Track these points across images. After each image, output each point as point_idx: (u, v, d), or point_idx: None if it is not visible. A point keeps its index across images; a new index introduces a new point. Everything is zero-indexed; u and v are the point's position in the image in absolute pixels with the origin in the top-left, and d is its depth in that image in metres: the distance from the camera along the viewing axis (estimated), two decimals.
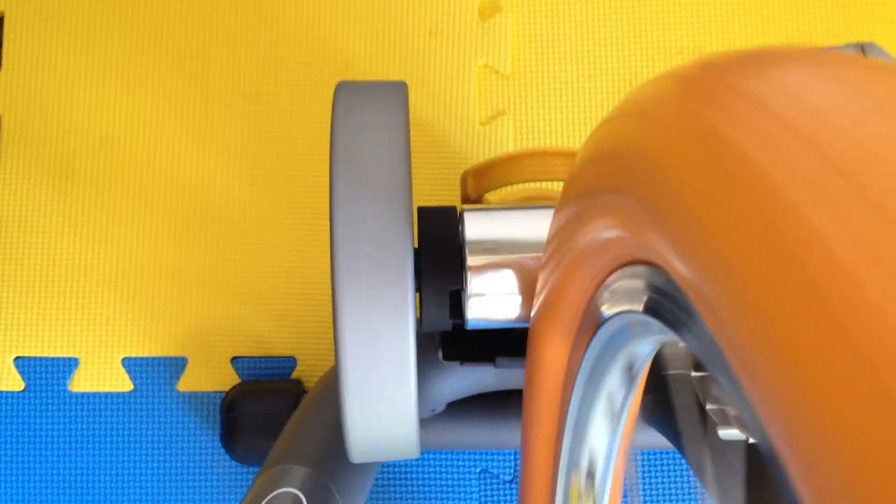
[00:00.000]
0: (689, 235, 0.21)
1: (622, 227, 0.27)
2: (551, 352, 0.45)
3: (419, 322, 0.51)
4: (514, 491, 0.85)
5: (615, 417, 0.44)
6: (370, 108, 0.48)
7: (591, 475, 0.47)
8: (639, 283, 0.29)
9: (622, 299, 0.32)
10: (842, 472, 0.16)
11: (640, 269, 0.28)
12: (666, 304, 0.27)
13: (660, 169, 0.23)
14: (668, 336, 0.33)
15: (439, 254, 0.52)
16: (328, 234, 0.87)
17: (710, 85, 0.23)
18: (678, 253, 0.22)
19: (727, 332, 0.20)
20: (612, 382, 0.39)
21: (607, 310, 0.35)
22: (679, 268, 0.23)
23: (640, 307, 0.29)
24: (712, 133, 0.21)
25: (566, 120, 0.89)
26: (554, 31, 0.91)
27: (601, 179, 0.29)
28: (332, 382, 0.71)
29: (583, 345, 0.41)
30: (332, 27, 0.91)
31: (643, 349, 0.38)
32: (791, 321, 0.17)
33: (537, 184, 0.65)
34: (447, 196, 0.86)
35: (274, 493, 0.60)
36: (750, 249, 0.19)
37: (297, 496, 0.60)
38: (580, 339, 0.41)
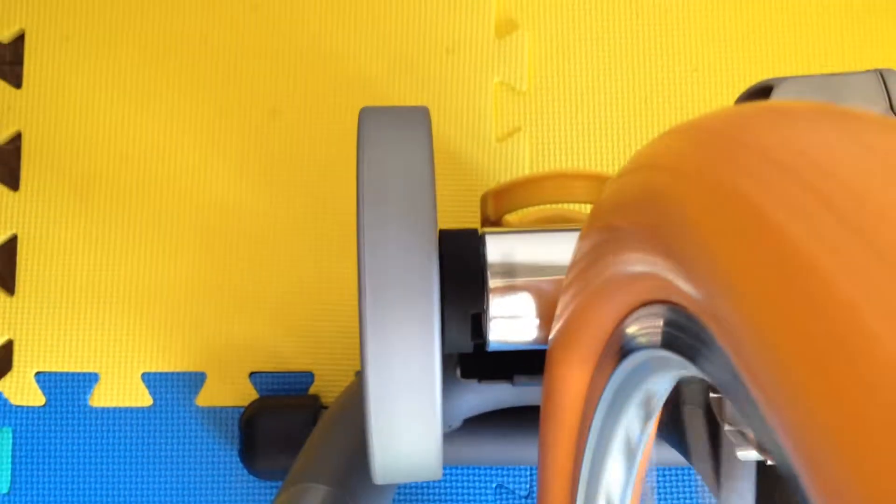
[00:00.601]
0: (712, 280, 0.23)
1: (647, 267, 0.28)
2: (570, 377, 0.46)
3: (441, 343, 0.52)
4: None
5: (633, 449, 0.45)
6: (395, 135, 0.49)
7: (608, 500, 0.48)
8: (659, 322, 0.30)
9: (645, 335, 0.32)
10: (860, 498, 0.16)
11: (663, 308, 0.29)
12: (687, 341, 0.28)
13: (683, 223, 0.24)
14: (689, 371, 0.33)
15: (461, 276, 0.52)
16: (345, 249, 0.88)
17: (727, 141, 0.25)
18: (704, 299, 0.24)
19: (750, 368, 0.21)
20: (631, 414, 0.39)
21: (631, 343, 0.35)
22: (704, 312, 0.24)
23: (658, 341, 0.30)
24: (728, 190, 0.23)
25: (582, 136, 0.90)
26: (570, 49, 0.91)
27: (625, 220, 0.29)
28: (351, 399, 0.72)
29: (605, 375, 0.41)
30: (350, 44, 0.91)
31: (663, 383, 0.39)
32: (803, 356, 0.18)
33: (555, 205, 0.65)
34: (464, 212, 0.87)
35: None
36: (768, 296, 0.20)
37: None
38: (602, 368, 0.42)
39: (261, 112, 0.90)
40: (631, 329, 0.34)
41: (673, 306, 0.28)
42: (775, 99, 0.44)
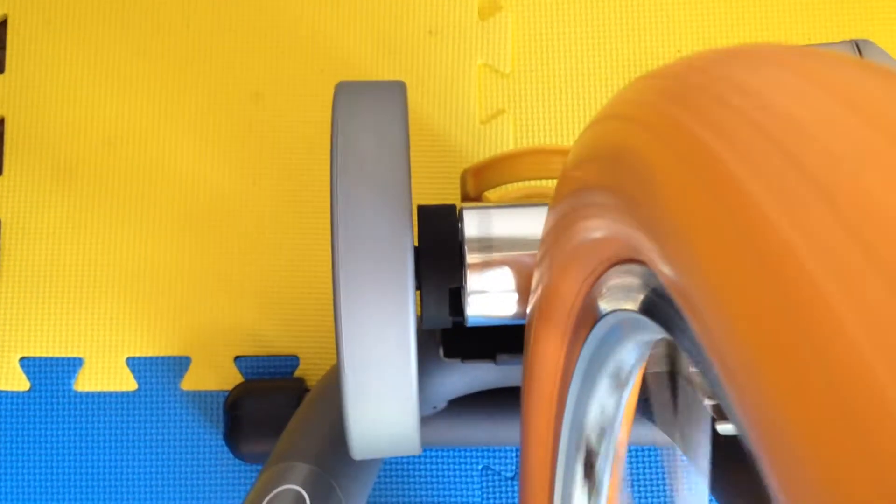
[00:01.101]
0: (667, 235, 0.22)
1: (612, 227, 0.28)
2: (548, 348, 0.46)
3: (420, 320, 0.52)
4: (516, 487, 0.85)
5: (612, 415, 0.45)
6: (369, 108, 0.49)
7: (589, 468, 0.48)
8: (634, 281, 0.29)
9: (618, 297, 0.32)
10: (805, 469, 0.16)
11: (636, 267, 0.29)
12: (658, 303, 0.27)
13: (641, 171, 0.24)
14: (661, 335, 0.33)
15: (439, 251, 0.52)
16: (329, 232, 0.88)
17: (687, 87, 0.24)
18: (659, 251, 0.23)
19: (704, 329, 0.20)
20: (608, 379, 0.39)
21: (603, 307, 0.35)
22: (661, 267, 0.23)
23: (636, 306, 0.30)
24: (686, 136, 0.22)
25: (566, 118, 0.90)
26: (553, 30, 0.91)
27: (590, 179, 0.29)
28: (333, 380, 0.72)
29: (579, 341, 0.41)
30: (332, 27, 0.91)
31: (639, 347, 0.39)
32: (758, 321, 0.18)
33: (536, 182, 0.65)
34: (447, 194, 0.86)
35: (277, 490, 0.61)
36: (719, 249, 0.19)
37: (299, 493, 0.60)
38: (576, 335, 0.42)
39: (244, 95, 0.90)
40: (602, 291, 0.34)
41: (642, 265, 0.28)
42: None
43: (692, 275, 0.21)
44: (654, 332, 0.32)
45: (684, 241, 0.21)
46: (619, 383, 0.42)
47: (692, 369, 0.59)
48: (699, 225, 0.20)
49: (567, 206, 0.34)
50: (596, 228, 0.30)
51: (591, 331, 0.38)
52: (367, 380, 0.47)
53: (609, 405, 0.44)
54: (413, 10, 0.91)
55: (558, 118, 0.90)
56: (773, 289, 0.17)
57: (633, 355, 0.38)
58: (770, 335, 0.17)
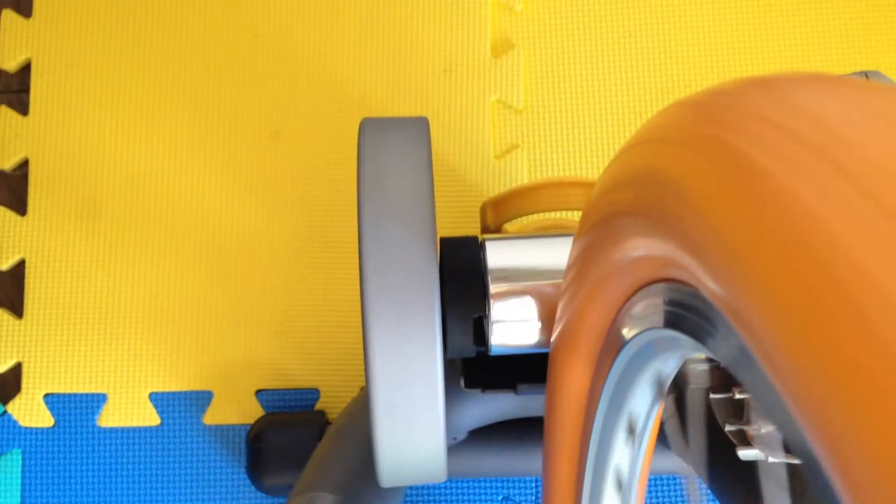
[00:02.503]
0: (712, 250, 0.22)
1: (643, 249, 0.29)
2: (572, 376, 0.46)
3: (444, 349, 0.53)
4: None
5: (638, 439, 0.45)
6: (394, 143, 0.50)
7: (617, 487, 0.49)
8: (658, 301, 0.31)
9: (644, 318, 0.33)
10: (887, 482, 0.16)
11: (661, 286, 0.30)
12: (690, 318, 0.27)
13: (682, 190, 0.24)
14: (690, 351, 0.34)
15: (462, 282, 0.53)
16: (348, 267, 0.89)
17: (720, 107, 0.24)
18: (703, 267, 0.23)
19: (761, 343, 0.20)
20: (635, 403, 0.40)
21: (629, 331, 0.36)
22: (706, 282, 0.23)
23: (661, 322, 0.30)
24: (728, 151, 0.22)
25: (578, 152, 0.91)
26: (565, 67, 0.93)
27: (622, 205, 0.30)
28: (356, 412, 0.73)
29: (605, 367, 0.42)
30: (349, 67, 0.93)
31: (665, 367, 0.39)
32: (818, 328, 0.18)
33: (554, 214, 0.67)
34: (463, 228, 0.88)
35: None
36: (769, 257, 0.19)
37: None
38: (602, 361, 0.42)
39: (263, 135, 0.92)
40: (628, 316, 0.35)
41: (673, 283, 0.29)
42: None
43: (741, 288, 0.21)
44: (683, 349, 0.33)
45: (733, 254, 0.21)
46: (653, 397, 0.42)
47: (713, 397, 0.60)
48: (749, 237, 0.20)
49: (597, 232, 0.35)
50: (628, 252, 0.31)
51: (618, 354, 0.39)
52: (397, 406, 0.48)
53: (639, 421, 0.45)
54: (428, 49, 0.93)
55: (571, 152, 0.91)
56: (832, 295, 0.17)
57: (667, 367, 0.39)
58: (833, 344, 0.17)
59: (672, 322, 0.29)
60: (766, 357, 0.20)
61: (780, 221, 0.19)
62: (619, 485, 0.45)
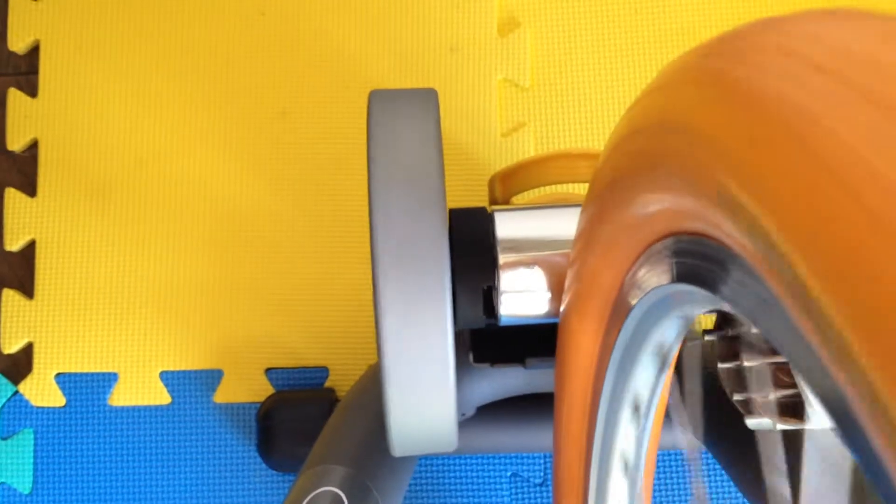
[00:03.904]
0: (737, 189, 0.21)
1: (656, 204, 0.29)
2: (582, 343, 0.47)
3: (455, 320, 0.53)
4: (545, 494, 0.86)
5: (643, 418, 0.45)
6: (403, 114, 0.51)
7: (623, 464, 0.49)
8: (668, 255, 0.31)
9: (652, 276, 0.34)
10: None
11: (669, 241, 0.30)
12: (702, 267, 0.27)
13: (695, 130, 0.23)
14: (698, 308, 0.34)
15: (472, 253, 0.54)
16: (357, 244, 0.89)
17: (728, 46, 0.24)
18: (727, 210, 0.22)
19: (794, 286, 0.19)
20: (638, 379, 0.40)
21: (637, 291, 0.37)
22: (729, 227, 0.22)
23: (671, 277, 0.31)
24: (739, 84, 0.22)
25: (585, 130, 0.91)
26: (571, 45, 0.93)
27: (631, 161, 0.30)
28: (366, 387, 0.73)
29: (614, 331, 0.43)
30: (355, 46, 0.93)
31: (667, 336, 0.40)
32: (861, 266, 0.17)
33: (562, 187, 0.67)
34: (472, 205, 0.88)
35: (315, 492, 0.62)
36: (794, 184, 0.19)
37: (337, 494, 0.62)
38: (612, 325, 0.43)
39: (271, 113, 0.92)
40: (637, 276, 0.35)
41: (683, 236, 0.28)
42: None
43: (769, 228, 0.20)
44: (691, 304, 0.34)
45: (758, 191, 0.20)
46: (661, 360, 0.42)
47: (721, 366, 0.60)
48: (776, 172, 0.19)
49: (606, 195, 0.36)
50: (639, 209, 0.31)
51: (627, 316, 0.39)
52: (408, 374, 0.48)
53: (644, 394, 0.45)
54: (435, 28, 0.93)
55: (578, 130, 0.91)
56: (880, 234, 0.16)
57: (673, 329, 0.39)
58: (881, 280, 0.16)
59: (683, 275, 0.30)
60: (800, 301, 0.19)
61: (806, 150, 0.19)
62: (626, 467, 0.45)
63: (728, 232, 0.23)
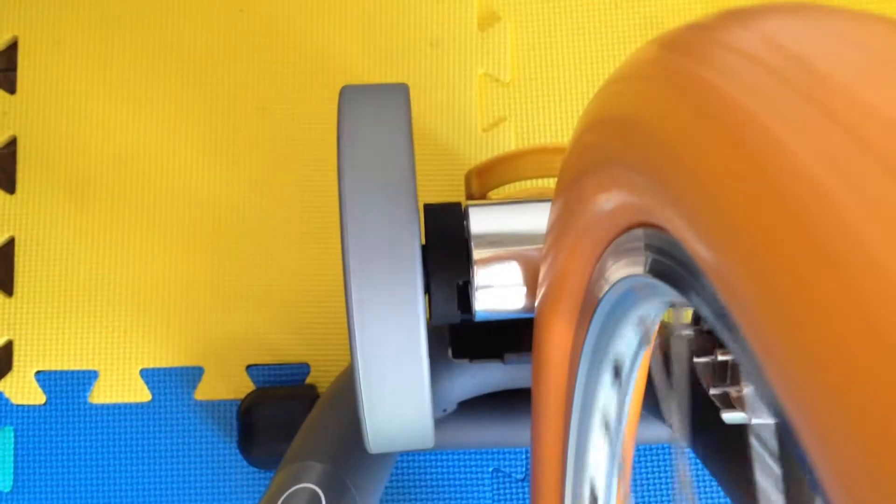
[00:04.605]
0: (684, 190, 0.21)
1: (616, 196, 0.29)
2: (556, 336, 0.47)
3: (429, 317, 0.53)
4: (527, 489, 0.86)
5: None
6: (373, 109, 0.50)
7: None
8: (637, 246, 0.30)
9: (620, 267, 0.33)
10: (856, 441, 0.15)
11: (638, 232, 0.30)
12: (667, 264, 0.27)
13: (647, 126, 0.23)
14: (669, 299, 0.34)
15: (446, 248, 0.54)
16: (337, 241, 0.89)
17: (689, 41, 0.23)
18: (673, 208, 0.22)
19: (728, 287, 0.19)
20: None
21: (606, 283, 0.37)
22: (677, 224, 0.22)
23: (641, 269, 0.30)
24: (694, 80, 0.21)
25: (566, 124, 0.91)
26: (552, 39, 0.93)
27: (593, 153, 0.30)
28: (345, 383, 0.73)
29: (586, 322, 0.42)
30: (334, 41, 0.93)
31: (648, 313, 0.39)
32: (791, 274, 0.16)
33: (538, 182, 0.67)
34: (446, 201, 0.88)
35: (292, 488, 0.62)
36: (738, 191, 0.18)
37: (315, 491, 0.62)
38: (584, 317, 0.43)
39: (250, 110, 0.92)
40: (606, 266, 0.35)
41: (650, 229, 0.28)
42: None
43: (712, 229, 0.20)
44: (660, 297, 0.34)
45: (702, 191, 0.20)
46: (634, 349, 0.42)
47: (696, 360, 0.60)
48: (717, 172, 0.19)
49: (569, 191, 0.36)
50: (599, 201, 0.31)
51: (597, 307, 0.39)
52: (381, 370, 0.48)
53: (612, 395, 0.45)
54: (414, 23, 0.93)
55: (558, 125, 0.91)
56: (812, 250, 0.16)
57: (648, 313, 0.39)
58: (805, 287, 0.16)
59: (652, 269, 0.30)
60: (739, 311, 0.19)
61: (747, 155, 0.18)
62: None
63: (676, 228, 0.23)
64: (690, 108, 0.21)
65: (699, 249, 0.21)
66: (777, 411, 0.18)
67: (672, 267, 0.27)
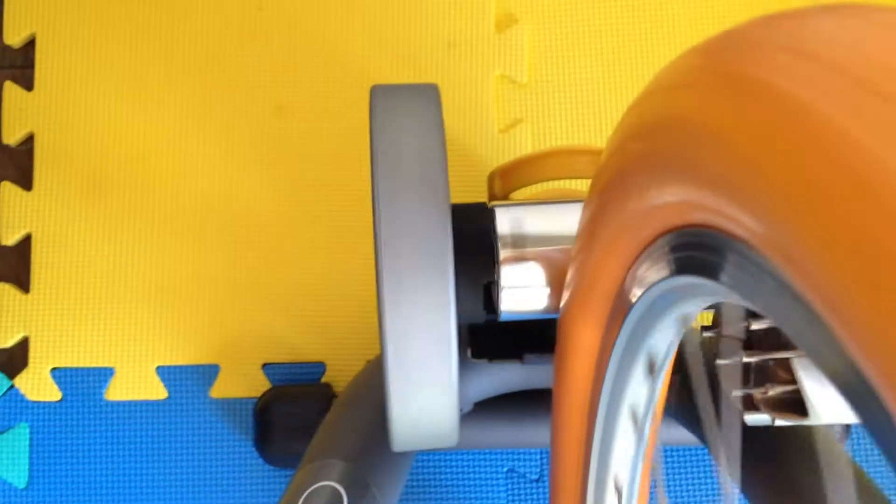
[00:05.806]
0: (744, 186, 0.22)
1: (660, 198, 0.29)
2: (582, 340, 0.47)
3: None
4: (542, 490, 0.86)
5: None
6: (407, 110, 0.51)
7: (618, 474, 0.49)
8: (668, 250, 0.31)
9: (653, 271, 0.34)
10: None
11: (672, 235, 0.30)
12: (706, 259, 0.27)
13: (705, 132, 0.24)
14: (698, 303, 0.35)
15: (472, 248, 0.54)
16: (354, 239, 0.89)
17: (736, 44, 0.24)
18: (739, 204, 0.23)
19: (804, 273, 0.20)
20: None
21: (639, 286, 0.37)
22: (742, 218, 0.23)
23: (670, 271, 0.31)
24: (747, 82, 0.22)
25: (583, 126, 0.92)
26: (569, 41, 0.94)
27: (637, 157, 0.31)
28: (366, 381, 0.73)
29: (615, 327, 0.43)
30: (353, 41, 0.93)
31: (690, 309, 0.39)
32: (868, 252, 0.17)
33: (561, 182, 0.67)
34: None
35: (314, 486, 0.62)
36: (803, 178, 0.19)
37: (336, 489, 0.62)
38: (612, 322, 0.43)
39: (267, 109, 0.92)
40: (641, 269, 0.36)
41: (686, 229, 0.29)
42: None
43: (779, 220, 0.20)
44: (691, 301, 0.34)
45: (767, 187, 0.21)
46: (655, 369, 0.43)
47: (719, 362, 0.61)
48: (784, 168, 0.20)
49: (609, 191, 0.36)
50: (643, 203, 0.31)
51: (628, 312, 0.39)
52: (411, 366, 0.48)
53: (643, 388, 0.45)
54: (432, 24, 0.93)
55: (575, 126, 0.92)
56: (883, 219, 0.17)
57: (668, 335, 0.39)
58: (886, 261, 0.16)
59: (684, 268, 0.30)
60: (813, 286, 0.19)
61: (809, 143, 0.19)
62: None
63: (737, 220, 0.23)
64: (764, 113, 0.22)
65: (773, 240, 0.22)
66: (852, 382, 0.18)
67: (712, 262, 0.27)
